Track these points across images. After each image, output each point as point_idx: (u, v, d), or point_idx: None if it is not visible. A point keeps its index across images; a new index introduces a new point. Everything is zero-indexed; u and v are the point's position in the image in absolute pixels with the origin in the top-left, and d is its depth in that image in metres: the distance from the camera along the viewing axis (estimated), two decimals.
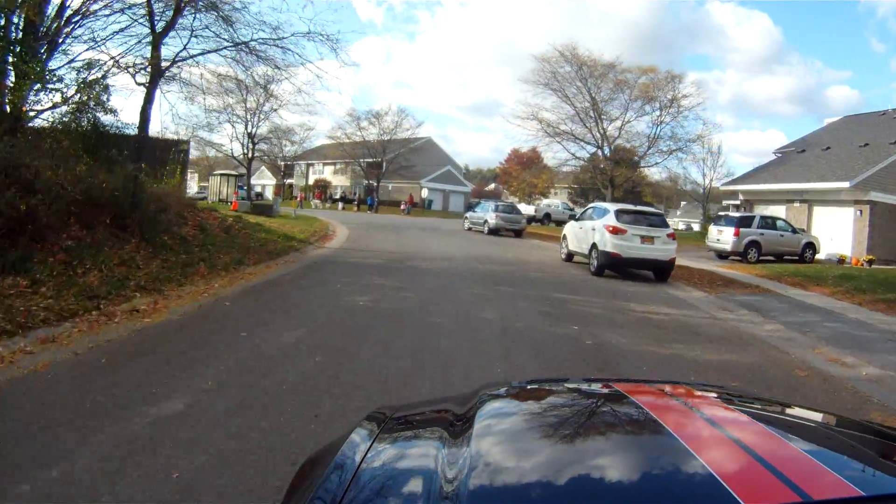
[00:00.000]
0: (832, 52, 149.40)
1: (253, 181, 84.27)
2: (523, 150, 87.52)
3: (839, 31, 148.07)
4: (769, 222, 20.50)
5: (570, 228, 16.23)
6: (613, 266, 13.61)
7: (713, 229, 21.33)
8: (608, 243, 13.21)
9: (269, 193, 76.05)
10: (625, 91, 32.38)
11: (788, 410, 1.72)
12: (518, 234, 26.10)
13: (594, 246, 13.69)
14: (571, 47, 31.67)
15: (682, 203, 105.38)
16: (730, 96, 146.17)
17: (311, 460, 1.43)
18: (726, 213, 26.80)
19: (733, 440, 1.18)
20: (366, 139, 53.73)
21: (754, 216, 20.82)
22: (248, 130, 33.21)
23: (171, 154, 17.89)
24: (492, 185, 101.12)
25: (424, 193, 48.88)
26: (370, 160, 55.03)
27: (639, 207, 15.46)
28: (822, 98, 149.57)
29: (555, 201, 46.80)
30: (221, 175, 41.86)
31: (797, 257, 20.42)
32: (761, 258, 19.73)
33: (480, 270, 12.83)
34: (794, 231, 20.88)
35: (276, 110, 31.53)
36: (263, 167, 76.26)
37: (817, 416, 1.64)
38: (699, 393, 1.71)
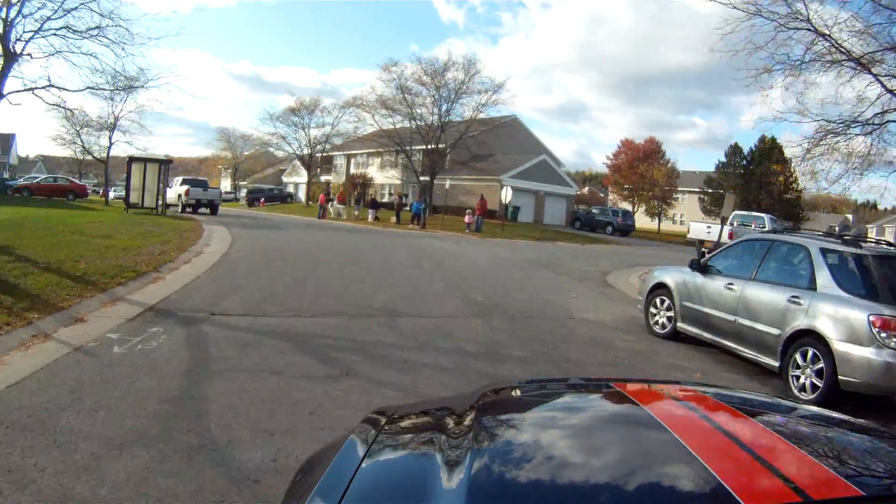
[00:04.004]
0: None
1: (284, 179, 66.99)
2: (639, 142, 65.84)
3: None
4: None
5: None
6: None
7: None
8: None
9: (301, 194, 58.25)
10: None
11: (789, 411, 1.65)
12: None
13: None
14: None
15: (813, 213, 79.62)
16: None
17: (311, 460, 1.40)
18: None
19: (734, 440, 1.17)
20: (413, 108, 33.74)
21: None
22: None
23: None
24: (584, 189, 79.33)
25: (506, 196, 28.29)
26: (423, 147, 35.20)
27: None
28: None
29: (763, 215, 24.82)
30: (137, 161, 23.19)
31: None
32: None
33: None
34: None
35: None
36: (296, 161, 58.21)
37: (817, 416, 1.57)
38: (699, 393, 1.63)
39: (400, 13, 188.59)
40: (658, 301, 7.68)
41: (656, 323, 7.66)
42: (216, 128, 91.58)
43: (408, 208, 33.48)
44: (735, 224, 23.80)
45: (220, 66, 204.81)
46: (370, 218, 31.39)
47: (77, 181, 35.36)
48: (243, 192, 56.81)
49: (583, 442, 1.25)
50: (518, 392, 1.76)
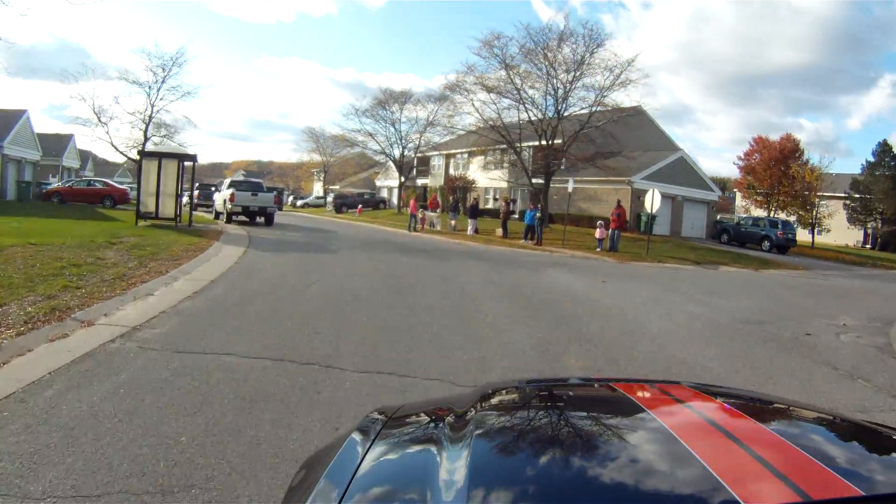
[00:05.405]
0: None
1: (377, 183, 62.63)
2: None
3: None
4: None
5: None
6: None
7: None
8: None
9: (395, 199, 53.53)
10: None
11: (789, 410, 1.64)
12: None
13: None
14: None
15: None
16: None
17: (310, 461, 1.39)
18: None
19: (733, 440, 1.16)
20: (521, 90, 27.42)
21: None
22: None
23: None
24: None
25: (653, 203, 20.86)
26: (534, 144, 28.87)
27: None
28: None
29: None
30: (150, 157, 17.81)
31: None
32: None
33: None
34: None
35: None
36: (389, 163, 53.74)
37: (817, 416, 1.55)
38: (699, 393, 1.60)
39: (501, 16, 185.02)
40: None
41: None
42: (303, 129, 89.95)
43: (516, 216, 27.28)
44: None
45: (324, 75, 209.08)
46: (469, 230, 25.53)
47: (116, 185, 31.03)
48: (330, 197, 52.70)
49: (582, 442, 1.23)
50: (518, 392, 1.75)
